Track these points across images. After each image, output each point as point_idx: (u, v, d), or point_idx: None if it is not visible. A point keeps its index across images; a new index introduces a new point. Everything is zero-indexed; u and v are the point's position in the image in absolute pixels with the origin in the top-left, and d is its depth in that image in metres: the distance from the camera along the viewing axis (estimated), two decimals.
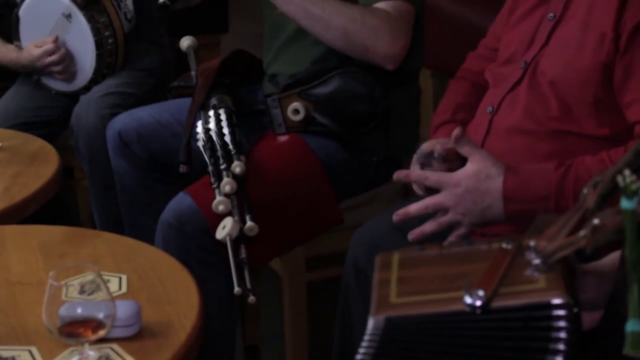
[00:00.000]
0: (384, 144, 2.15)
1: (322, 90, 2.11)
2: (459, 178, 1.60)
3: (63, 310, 1.35)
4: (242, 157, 2.04)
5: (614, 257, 1.19)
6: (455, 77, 1.97)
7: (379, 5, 2.06)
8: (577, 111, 1.63)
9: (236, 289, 1.90)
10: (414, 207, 1.63)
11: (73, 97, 2.74)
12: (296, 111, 2.13)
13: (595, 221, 1.11)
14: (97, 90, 2.67)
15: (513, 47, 1.77)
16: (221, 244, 1.95)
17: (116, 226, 2.50)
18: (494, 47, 1.88)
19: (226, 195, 1.98)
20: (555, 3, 1.71)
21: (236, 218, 1.96)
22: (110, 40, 2.70)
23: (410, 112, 2.29)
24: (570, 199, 1.54)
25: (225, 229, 1.94)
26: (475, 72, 1.93)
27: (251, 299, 1.92)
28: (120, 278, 1.62)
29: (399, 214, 1.66)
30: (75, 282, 1.42)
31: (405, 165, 2.20)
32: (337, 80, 2.10)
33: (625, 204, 1.02)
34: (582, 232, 1.13)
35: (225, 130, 2.09)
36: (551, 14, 1.71)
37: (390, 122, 2.15)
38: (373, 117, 2.11)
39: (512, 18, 1.82)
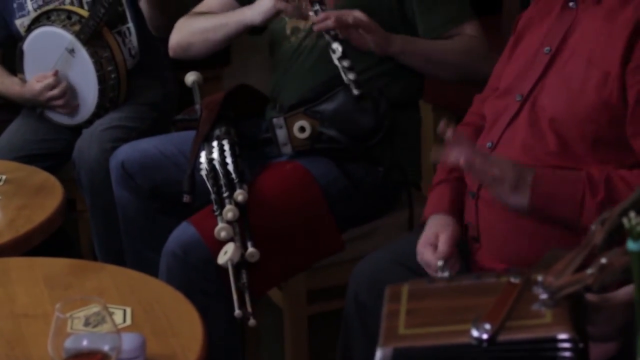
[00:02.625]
0: (389, 156, 2.18)
1: (328, 106, 2.14)
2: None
3: (68, 343, 1.35)
4: (245, 186, 2.06)
5: (627, 290, 1.20)
6: (461, 123, 1.98)
7: (462, 29, 2.24)
8: (576, 148, 1.64)
9: (236, 312, 1.92)
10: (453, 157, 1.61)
11: (76, 130, 2.76)
12: (302, 129, 2.15)
13: (603, 260, 1.13)
14: (100, 124, 2.68)
15: (509, 80, 1.79)
16: (224, 272, 1.97)
17: (117, 258, 2.50)
18: (497, 87, 1.89)
19: (228, 222, 2.00)
20: (551, 37, 1.73)
21: (238, 244, 1.98)
22: (112, 75, 2.72)
23: (414, 129, 2.35)
24: (602, 184, 1.57)
25: (227, 254, 1.96)
26: (480, 115, 1.94)
27: (251, 322, 1.94)
28: (124, 310, 1.63)
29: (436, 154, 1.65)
30: (81, 315, 1.42)
31: (410, 179, 2.24)
32: (342, 96, 2.14)
33: (631, 245, 1.03)
34: (589, 270, 1.15)
35: (229, 160, 2.11)
36: (547, 48, 1.72)
37: (396, 137, 2.18)
38: (379, 130, 2.14)
39: (514, 54, 1.84)
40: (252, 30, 2.41)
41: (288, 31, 2.31)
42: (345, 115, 2.14)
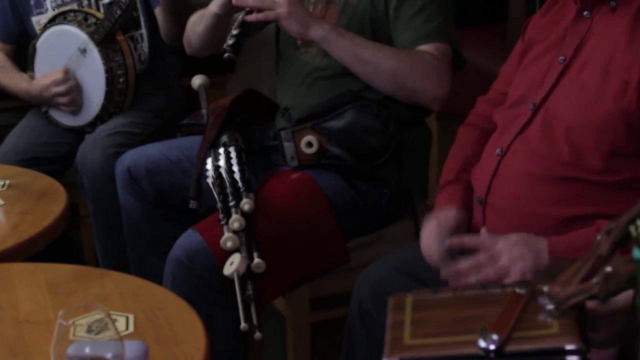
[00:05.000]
0: (396, 178, 2.16)
1: (336, 123, 2.13)
2: (508, 235, 1.61)
3: (71, 350, 1.34)
4: (251, 195, 2.05)
5: (625, 296, 1.20)
6: (464, 124, 1.97)
7: (423, 48, 2.11)
8: (590, 158, 1.63)
9: (243, 325, 1.91)
10: (465, 264, 1.60)
11: (80, 134, 2.76)
12: (309, 144, 2.15)
13: (608, 269, 1.12)
14: (103, 129, 2.68)
15: (523, 90, 1.78)
16: (229, 281, 1.96)
17: (119, 264, 2.50)
18: (504, 91, 1.88)
19: (234, 231, 2.00)
20: (566, 47, 1.72)
21: (244, 254, 1.97)
22: (121, 80, 2.72)
23: (422, 149, 2.31)
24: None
25: (232, 265, 1.95)
26: (484, 117, 1.94)
27: (257, 335, 1.93)
28: (127, 318, 1.62)
29: (449, 273, 1.62)
30: (83, 322, 1.41)
31: (416, 199, 2.22)
32: (351, 114, 2.12)
33: (637, 253, 1.03)
34: (594, 280, 1.14)
35: (235, 168, 2.11)
36: (561, 57, 1.71)
37: (403, 156, 2.16)
38: (386, 150, 2.13)
39: (524, 61, 1.83)
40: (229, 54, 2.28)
41: (299, 41, 2.29)
42: (352, 134, 2.13)
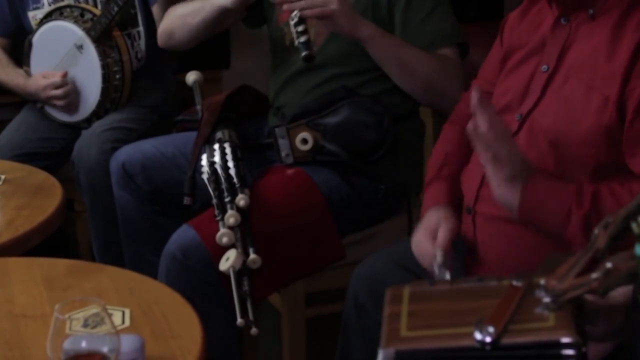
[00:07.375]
0: (391, 173, 2.17)
1: (331, 119, 2.13)
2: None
3: (67, 344, 1.35)
4: (247, 191, 2.05)
5: (624, 291, 1.20)
6: (448, 121, 1.97)
7: (443, 52, 2.14)
8: (575, 171, 1.61)
9: (239, 321, 1.92)
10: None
11: (76, 130, 2.76)
12: (304, 141, 2.15)
13: (608, 265, 1.12)
14: (100, 125, 2.69)
15: (508, 97, 1.75)
16: (224, 277, 1.97)
17: (115, 259, 2.50)
18: (486, 90, 1.86)
19: (230, 227, 2.00)
20: (548, 55, 1.69)
21: (239, 250, 1.97)
22: (117, 76, 2.73)
23: (416, 142, 2.32)
24: (588, 197, 1.51)
25: (228, 261, 1.95)
26: (466, 115, 1.92)
27: (253, 330, 1.94)
28: (123, 312, 1.62)
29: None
30: (79, 316, 1.41)
31: (412, 194, 2.22)
32: (346, 110, 2.13)
33: (638, 250, 1.03)
34: (594, 275, 1.14)
35: (230, 164, 2.11)
36: (544, 66, 1.68)
37: (398, 151, 2.17)
38: (381, 145, 2.13)
39: (507, 66, 1.80)
40: (249, 23, 2.39)
41: (287, 42, 2.29)
42: (347, 131, 2.14)
